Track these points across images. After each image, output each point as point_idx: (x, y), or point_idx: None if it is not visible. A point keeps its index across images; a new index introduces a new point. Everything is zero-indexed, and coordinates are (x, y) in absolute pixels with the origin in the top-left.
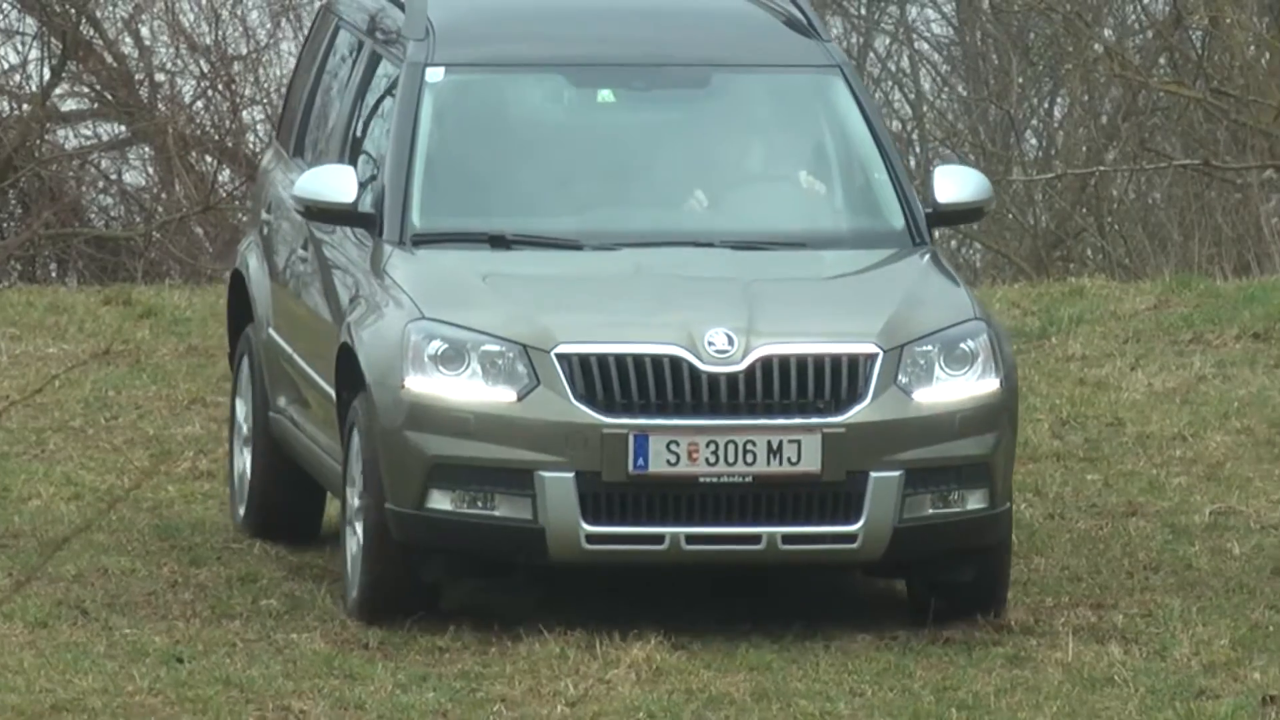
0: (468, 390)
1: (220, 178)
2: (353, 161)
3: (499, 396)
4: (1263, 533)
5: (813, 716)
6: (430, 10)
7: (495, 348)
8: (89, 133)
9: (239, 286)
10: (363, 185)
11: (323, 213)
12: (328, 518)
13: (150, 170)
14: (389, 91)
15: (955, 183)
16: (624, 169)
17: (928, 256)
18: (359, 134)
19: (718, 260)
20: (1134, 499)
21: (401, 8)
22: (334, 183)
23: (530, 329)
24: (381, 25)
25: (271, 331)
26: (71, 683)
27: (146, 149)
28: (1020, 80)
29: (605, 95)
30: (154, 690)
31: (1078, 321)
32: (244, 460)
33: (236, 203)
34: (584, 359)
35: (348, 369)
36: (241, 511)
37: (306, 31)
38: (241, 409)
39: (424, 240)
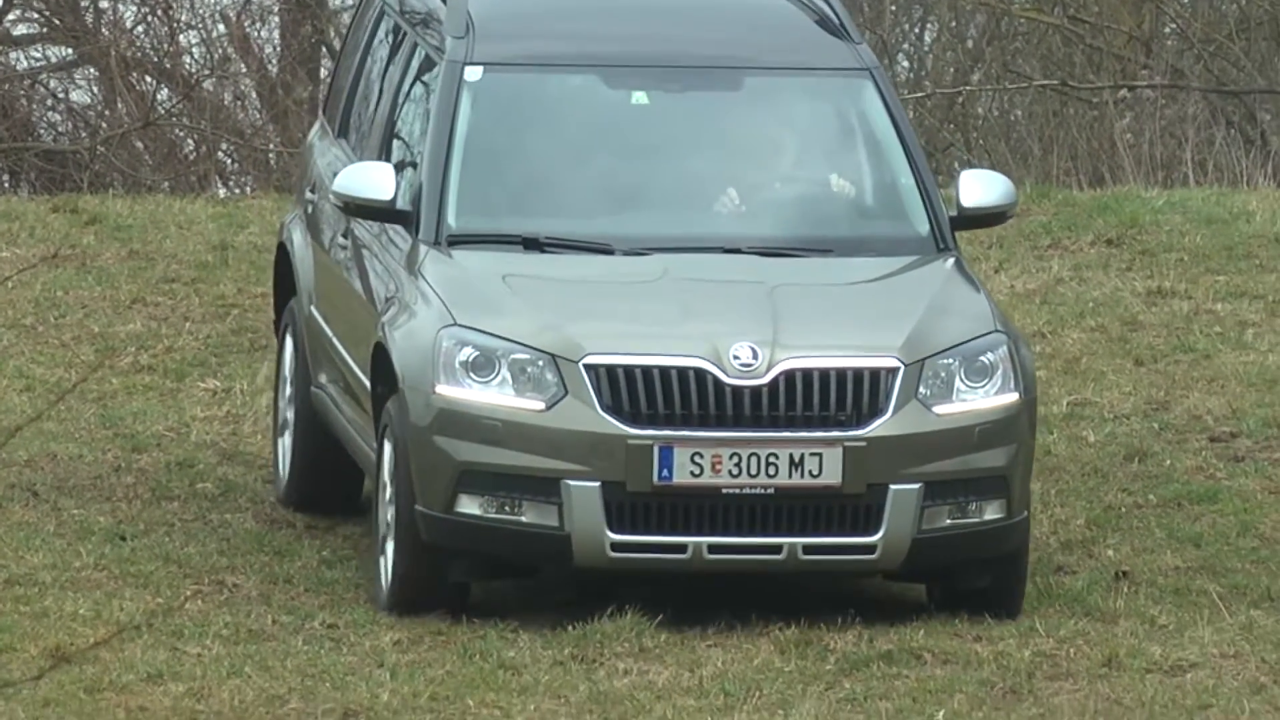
0: (497, 398)
1: (159, 96)
2: (391, 156)
3: (528, 405)
4: (1115, 422)
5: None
6: (470, 6)
7: (525, 356)
8: (38, 55)
9: (284, 259)
10: (399, 173)
11: (361, 209)
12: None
13: (95, 90)
14: (427, 83)
15: (980, 187)
16: (656, 172)
17: (951, 263)
18: (398, 126)
19: (745, 267)
20: None
21: None
22: (372, 180)
23: (559, 339)
24: (420, 13)
25: (313, 309)
26: (23, 559)
27: (91, 70)
28: (893, 8)
29: (640, 97)
30: (99, 566)
31: None
32: (286, 432)
33: (174, 119)
34: (611, 370)
35: (382, 367)
36: (283, 482)
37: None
38: (284, 381)
39: (459, 241)
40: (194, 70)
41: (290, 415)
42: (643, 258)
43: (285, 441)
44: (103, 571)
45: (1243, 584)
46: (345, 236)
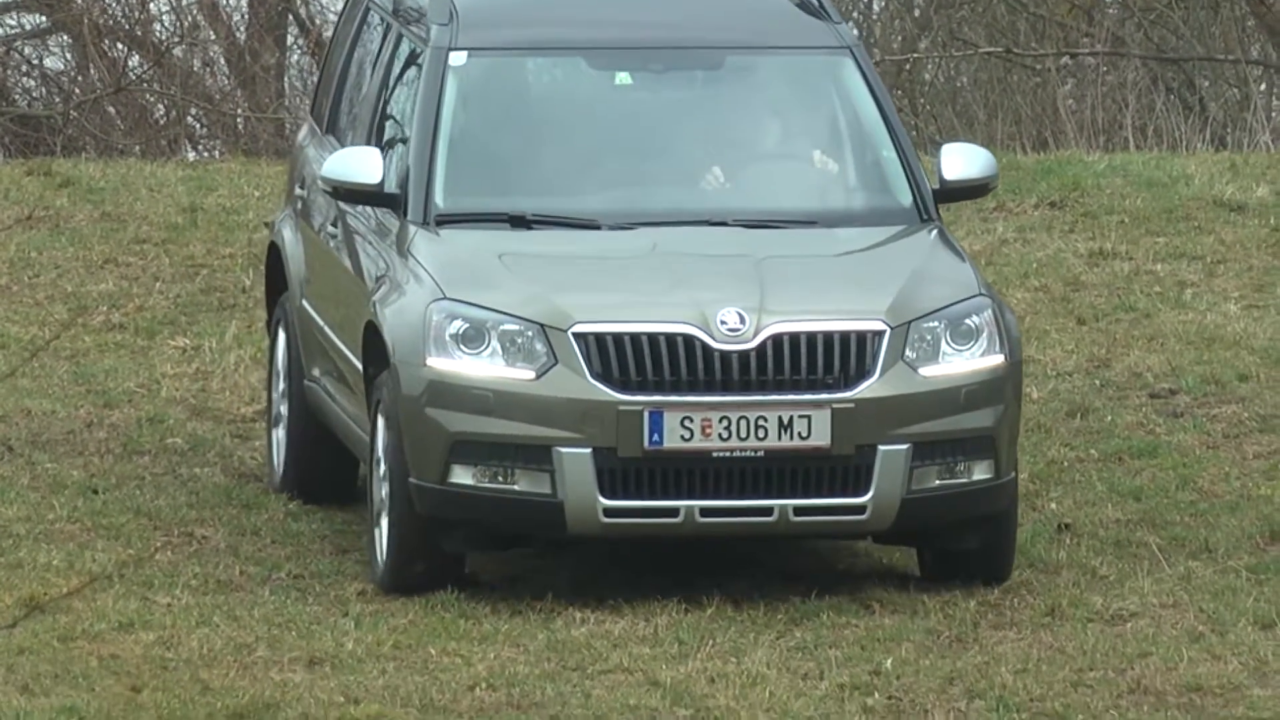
0: (488, 369)
1: (130, 63)
2: (379, 142)
3: (518, 374)
4: (1058, 379)
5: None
6: None
7: (514, 327)
8: (13, 23)
9: (275, 257)
10: (386, 157)
11: (349, 193)
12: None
13: (68, 56)
14: (413, 72)
15: (962, 160)
16: (641, 150)
17: (934, 233)
18: (385, 115)
19: (731, 239)
20: None
21: None
22: (360, 164)
23: (548, 309)
24: (406, 6)
25: (305, 303)
26: None
27: (65, 37)
28: None
29: (623, 78)
30: (72, 518)
31: None
32: (280, 425)
33: (144, 85)
34: (600, 338)
35: (374, 345)
36: (279, 474)
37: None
38: (278, 375)
39: (447, 220)
40: (164, 37)
41: (284, 409)
42: (629, 232)
43: (279, 435)
44: (75, 524)
45: (1181, 536)
46: (335, 225)
